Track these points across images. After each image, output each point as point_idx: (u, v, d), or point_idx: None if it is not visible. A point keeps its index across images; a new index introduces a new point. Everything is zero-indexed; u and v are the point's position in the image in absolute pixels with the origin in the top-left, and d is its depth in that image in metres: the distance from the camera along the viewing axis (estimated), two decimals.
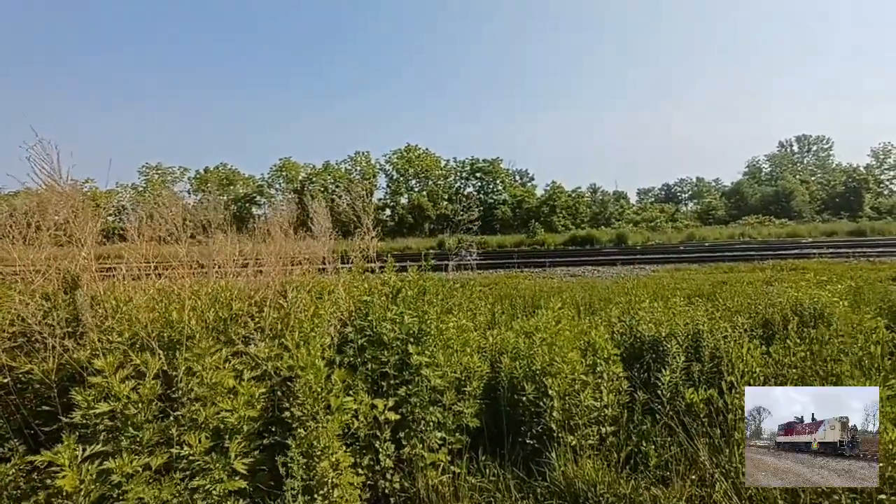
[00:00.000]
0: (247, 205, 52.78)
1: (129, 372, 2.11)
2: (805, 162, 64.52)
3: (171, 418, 2.17)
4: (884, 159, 59.00)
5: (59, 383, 2.34)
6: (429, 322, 2.97)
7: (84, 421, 2.02)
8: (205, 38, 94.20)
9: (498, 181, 55.18)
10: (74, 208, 2.71)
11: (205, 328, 2.52)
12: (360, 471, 2.53)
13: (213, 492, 2.07)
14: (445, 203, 51.68)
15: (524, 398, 2.99)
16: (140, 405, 2.06)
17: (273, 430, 2.42)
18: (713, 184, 65.85)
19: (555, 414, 2.87)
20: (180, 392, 2.21)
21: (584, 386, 2.98)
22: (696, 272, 12.95)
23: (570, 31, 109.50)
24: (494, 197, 54.35)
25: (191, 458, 2.06)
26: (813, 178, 57.83)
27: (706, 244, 28.22)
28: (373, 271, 3.60)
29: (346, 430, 2.48)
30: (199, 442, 2.07)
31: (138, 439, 2.05)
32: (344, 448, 2.38)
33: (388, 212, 52.56)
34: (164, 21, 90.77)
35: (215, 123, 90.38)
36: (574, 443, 2.86)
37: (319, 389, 2.32)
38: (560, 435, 2.86)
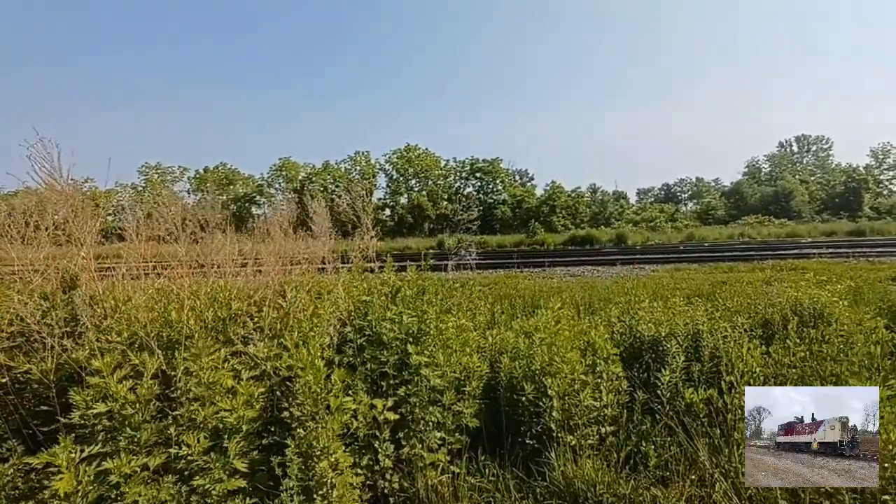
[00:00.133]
0: (246, 204, 52.78)
1: (128, 372, 2.11)
2: (805, 162, 64.58)
3: (170, 418, 2.17)
4: (883, 159, 59.03)
5: (58, 383, 2.33)
6: (428, 322, 2.96)
7: (82, 421, 2.02)
8: (205, 38, 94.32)
9: (498, 181, 55.18)
10: (74, 207, 2.70)
11: (204, 328, 2.51)
12: (359, 471, 2.53)
13: (213, 492, 2.07)
14: (445, 203, 51.70)
15: (524, 398, 2.99)
16: (138, 405, 2.06)
17: (272, 429, 2.42)
18: (713, 184, 65.94)
19: (554, 414, 2.87)
20: (179, 392, 2.20)
21: (584, 386, 2.97)
22: (696, 272, 12.95)
23: (570, 31, 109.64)
24: (494, 197, 54.36)
25: (189, 457, 2.06)
26: (812, 179, 57.88)
27: (706, 244, 28.24)
28: (372, 271, 3.59)
29: (345, 430, 2.47)
30: (198, 442, 2.07)
31: (136, 439, 2.04)
32: (343, 448, 2.37)
33: (387, 211, 52.57)
34: (164, 21, 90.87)
35: (215, 123, 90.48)
36: (574, 443, 2.85)
37: (319, 389, 2.32)
38: (559, 435, 2.86)
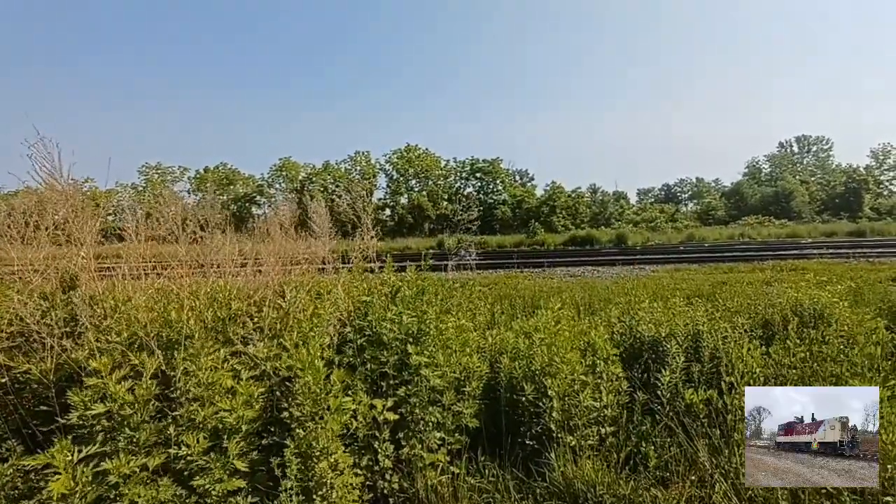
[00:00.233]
0: (247, 204, 52.78)
1: (127, 372, 2.11)
2: (805, 162, 64.54)
3: (170, 418, 2.17)
4: (883, 160, 59.02)
5: (58, 383, 2.33)
6: (428, 322, 2.96)
7: (81, 422, 2.01)
8: (205, 38, 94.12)
9: (498, 181, 55.17)
10: (74, 207, 2.70)
11: (203, 328, 2.51)
12: (358, 471, 2.52)
13: (213, 492, 2.07)
14: (445, 203, 51.69)
15: (523, 398, 2.99)
16: (136, 406, 2.06)
17: (272, 430, 2.42)
18: (713, 184, 65.89)
19: (554, 414, 2.86)
20: (178, 392, 2.20)
21: (584, 386, 2.97)
22: (696, 272, 12.95)
23: (570, 31, 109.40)
24: (494, 197, 54.34)
25: (189, 458, 2.06)
26: (813, 179, 57.84)
27: (706, 244, 28.23)
28: (372, 271, 3.59)
29: (345, 431, 2.47)
30: (198, 442, 2.07)
31: (135, 440, 2.04)
32: (343, 448, 2.37)
33: (387, 212, 52.58)
34: (164, 21, 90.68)
35: (215, 123, 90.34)
36: (573, 443, 2.85)
37: (318, 390, 2.32)
38: (559, 435, 2.86)
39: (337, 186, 47.62)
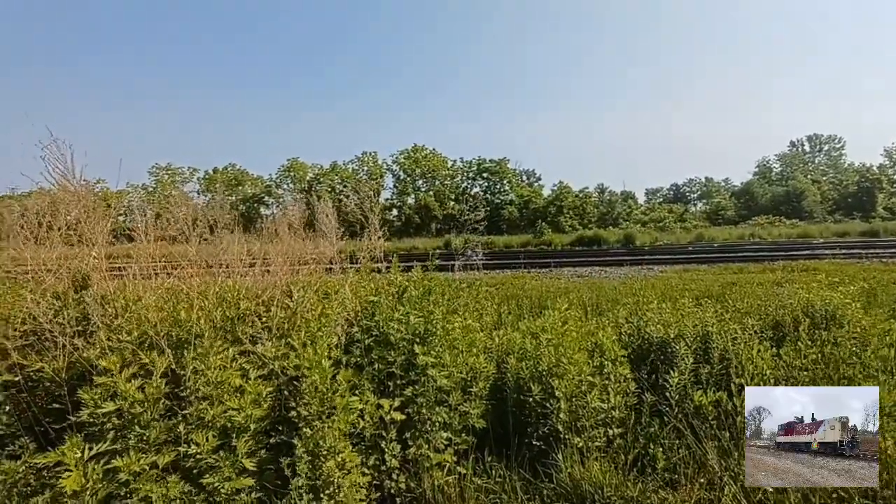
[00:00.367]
0: (255, 205, 53.17)
1: (137, 371, 2.13)
2: (816, 162, 63.69)
3: (179, 417, 2.19)
4: None
5: (69, 381, 2.36)
6: (435, 322, 2.96)
7: (91, 420, 2.04)
8: (205, 38, 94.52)
9: (505, 181, 55.03)
10: (86, 208, 2.74)
11: (212, 327, 2.53)
12: (365, 471, 2.53)
13: (222, 490, 2.08)
14: (452, 203, 51.66)
15: (530, 399, 2.98)
16: (146, 404, 2.08)
17: (280, 429, 2.43)
18: (723, 184, 65.19)
19: (561, 415, 2.85)
20: (188, 391, 2.22)
21: (591, 387, 2.95)
22: (706, 273, 12.83)
23: (570, 31, 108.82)
24: (501, 197, 54.22)
25: (198, 456, 2.08)
26: (825, 178, 57.05)
27: (715, 245, 27.95)
28: (379, 271, 3.60)
29: (352, 430, 2.48)
30: (207, 440, 2.09)
31: (145, 438, 2.06)
32: (350, 448, 2.38)
33: (394, 212, 52.66)
34: (164, 21, 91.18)
35: (215, 123, 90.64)
36: (581, 444, 2.84)
37: (325, 389, 2.33)
38: (567, 436, 2.84)
39: (344, 187, 47.82)
